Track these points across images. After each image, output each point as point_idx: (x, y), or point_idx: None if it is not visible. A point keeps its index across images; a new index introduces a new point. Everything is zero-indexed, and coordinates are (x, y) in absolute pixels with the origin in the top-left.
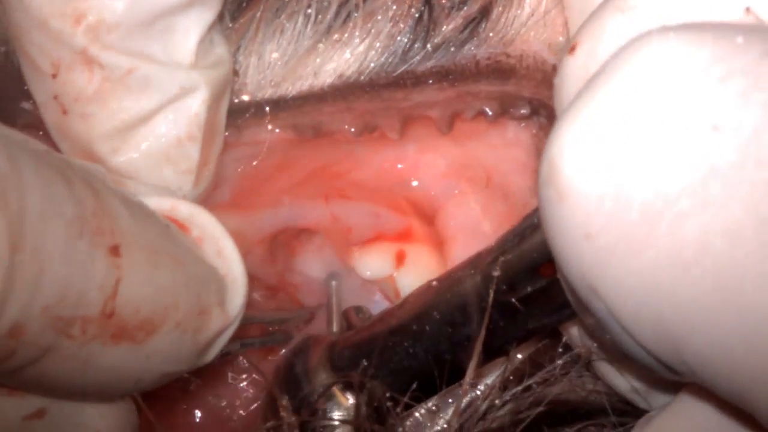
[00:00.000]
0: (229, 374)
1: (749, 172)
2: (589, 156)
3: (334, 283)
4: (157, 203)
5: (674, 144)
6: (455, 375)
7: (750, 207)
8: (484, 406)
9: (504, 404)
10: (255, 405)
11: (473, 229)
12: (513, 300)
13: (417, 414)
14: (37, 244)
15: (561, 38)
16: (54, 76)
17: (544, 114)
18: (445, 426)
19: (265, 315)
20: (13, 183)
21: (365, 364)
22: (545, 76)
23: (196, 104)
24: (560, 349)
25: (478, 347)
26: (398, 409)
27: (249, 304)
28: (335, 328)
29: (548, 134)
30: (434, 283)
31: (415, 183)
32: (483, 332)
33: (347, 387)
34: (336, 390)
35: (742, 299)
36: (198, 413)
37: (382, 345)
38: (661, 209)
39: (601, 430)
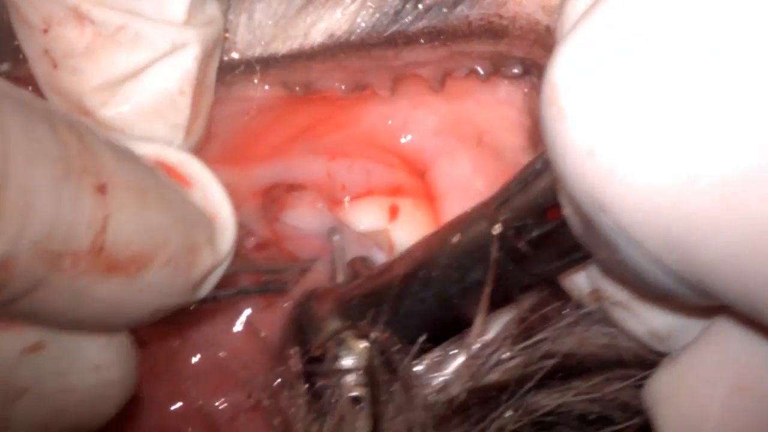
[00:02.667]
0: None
1: (748, 81)
2: (588, 73)
3: (337, 237)
4: (145, 149)
5: (674, 57)
6: (464, 322)
7: (753, 117)
8: (495, 358)
9: (513, 357)
10: (255, 353)
11: (465, 186)
12: (520, 244)
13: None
14: (23, 181)
15: (555, 0)
16: (45, 31)
17: (536, 74)
18: (455, 376)
19: (259, 265)
20: None
21: (376, 310)
22: (538, 36)
23: (187, 60)
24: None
25: (487, 291)
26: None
27: (242, 256)
28: (340, 279)
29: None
30: (439, 231)
31: (406, 139)
32: (491, 277)
33: (360, 334)
34: (348, 336)
35: (748, 208)
36: (197, 359)
37: (391, 292)
38: (669, 121)
39: (611, 383)
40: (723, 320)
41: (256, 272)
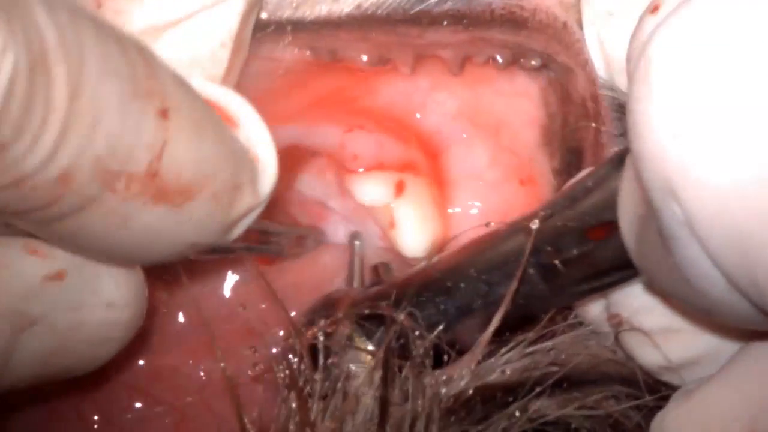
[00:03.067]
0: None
1: None
2: (690, 56)
3: (357, 242)
4: (196, 83)
5: None
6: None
7: None
8: (503, 359)
9: (521, 359)
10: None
11: (476, 175)
12: (556, 262)
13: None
14: (94, 95)
15: None
16: None
17: (553, 69)
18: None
19: (261, 224)
20: (73, 36)
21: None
22: (555, 32)
23: (231, 13)
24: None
25: (508, 296)
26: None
27: None
28: (356, 284)
29: (556, 90)
30: (474, 242)
31: (423, 118)
32: (515, 284)
33: (368, 336)
34: (356, 337)
35: None
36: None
37: (411, 300)
38: (760, 116)
39: (608, 400)
40: (743, 360)
41: (257, 231)
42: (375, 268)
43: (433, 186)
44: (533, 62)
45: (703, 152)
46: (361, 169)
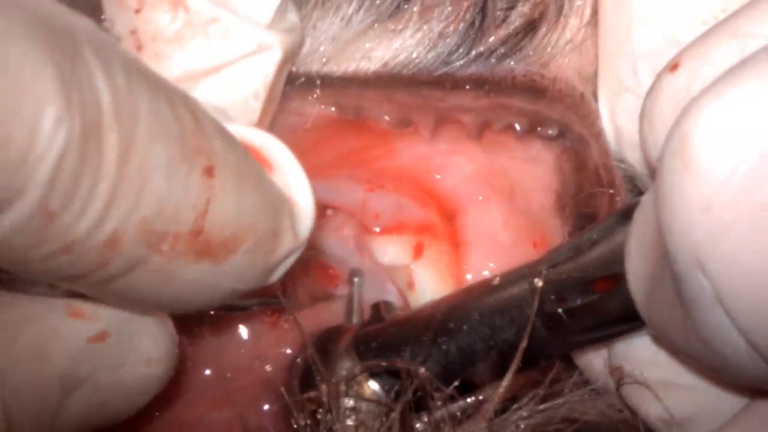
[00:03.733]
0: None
1: None
2: (726, 131)
3: (356, 279)
4: (234, 129)
5: None
6: (479, 382)
7: None
8: (515, 416)
9: (531, 416)
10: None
11: (491, 237)
12: (559, 310)
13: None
14: (144, 159)
15: (591, 69)
16: (137, 11)
17: (569, 138)
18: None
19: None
20: (128, 100)
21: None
22: (573, 102)
23: (268, 64)
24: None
25: (519, 354)
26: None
27: None
28: (355, 320)
29: (571, 159)
30: (477, 285)
31: (442, 180)
32: (526, 339)
33: (371, 374)
34: (361, 378)
35: None
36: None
37: (413, 338)
38: None
39: None
40: (749, 419)
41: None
42: (376, 306)
43: (450, 248)
44: (550, 131)
45: (734, 227)
46: (378, 229)
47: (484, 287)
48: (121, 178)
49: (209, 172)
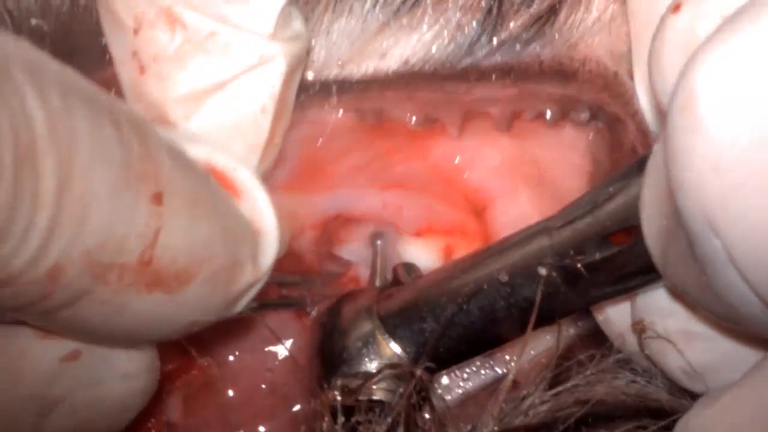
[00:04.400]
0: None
1: None
2: (733, 87)
3: (379, 242)
4: (195, 151)
5: None
6: (502, 338)
7: None
8: (526, 403)
9: (544, 402)
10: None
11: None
12: (579, 265)
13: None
14: (84, 186)
15: (624, 47)
16: (136, 31)
17: (602, 119)
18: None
19: (282, 277)
20: (65, 122)
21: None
22: (606, 82)
23: (273, 76)
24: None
25: (535, 312)
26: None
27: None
28: (378, 283)
29: (604, 139)
30: (496, 244)
31: (469, 175)
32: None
33: (392, 335)
34: (379, 336)
35: None
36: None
37: (434, 298)
38: None
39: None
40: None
41: (278, 284)
42: (396, 269)
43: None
44: (582, 115)
45: (743, 186)
46: (407, 233)
47: (505, 244)
48: (62, 207)
49: (157, 199)
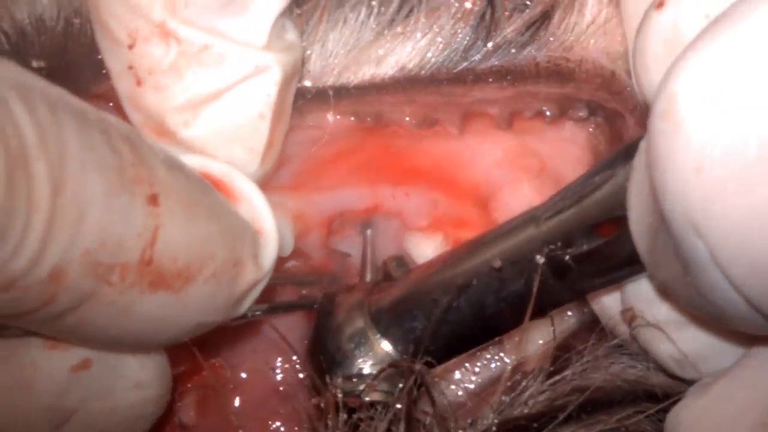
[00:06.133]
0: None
1: None
2: (711, 90)
3: (369, 231)
4: (190, 161)
5: None
6: (493, 333)
7: None
8: (526, 394)
9: (543, 391)
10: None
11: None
12: (567, 258)
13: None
14: (78, 189)
15: (620, 47)
16: (130, 47)
17: (601, 114)
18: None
19: (289, 277)
20: (53, 131)
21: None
22: (604, 80)
23: (268, 84)
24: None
25: (531, 306)
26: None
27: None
28: (369, 277)
29: (604, 132)
30: (483, 237)
31: (472, 169)
32: (535, 290)
33: (384, 334)
34: (370, 336)
35: None
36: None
37: (424, 295)
38: None
39: (635, 417)
40: (759, 355)
41: (286, 284)
42: (385, 263)
43: None
44: (581, 113)
45: (726, 187)
46: (416, 228)
47: (492, 239)
48: (56, 209)
49: (153, 200)
